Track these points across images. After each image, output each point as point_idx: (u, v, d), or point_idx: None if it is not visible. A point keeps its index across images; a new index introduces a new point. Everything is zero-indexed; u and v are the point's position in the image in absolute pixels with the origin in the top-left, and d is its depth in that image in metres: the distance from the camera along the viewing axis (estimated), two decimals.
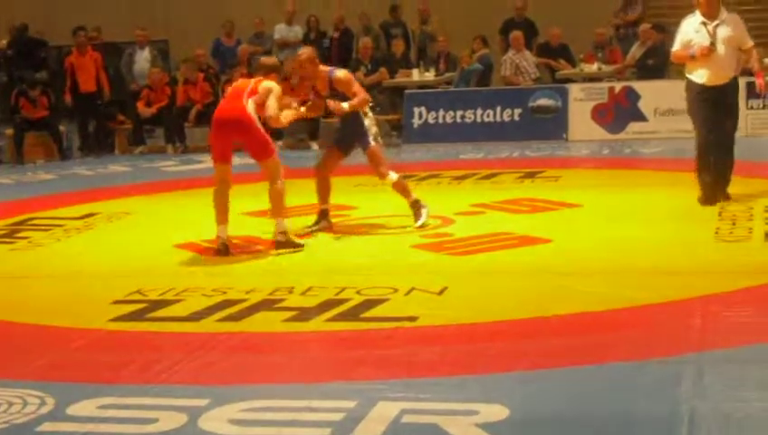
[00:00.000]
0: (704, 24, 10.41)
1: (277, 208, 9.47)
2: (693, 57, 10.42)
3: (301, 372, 5.98)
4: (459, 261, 8.64)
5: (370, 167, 10.06)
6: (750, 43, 10.68)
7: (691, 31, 10.49)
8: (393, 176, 9.96)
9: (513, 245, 9.09)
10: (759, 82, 10.82)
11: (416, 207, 9.93)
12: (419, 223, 9.84)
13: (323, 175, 10.16)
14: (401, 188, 10.03)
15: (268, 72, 9.71)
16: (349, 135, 10.00)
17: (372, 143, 9.88)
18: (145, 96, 18.33)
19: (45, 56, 20.76)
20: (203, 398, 5.42)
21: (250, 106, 9.30)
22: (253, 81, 9.60)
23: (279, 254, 9.17)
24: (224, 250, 9.23)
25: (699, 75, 10.49)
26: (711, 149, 10.51)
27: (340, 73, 10.00)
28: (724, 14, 10.52)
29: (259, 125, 9.34)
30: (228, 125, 9.37)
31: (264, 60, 10.33)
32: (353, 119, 9.85)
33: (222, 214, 9.38)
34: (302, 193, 10.72)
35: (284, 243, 9.38)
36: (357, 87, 9.94)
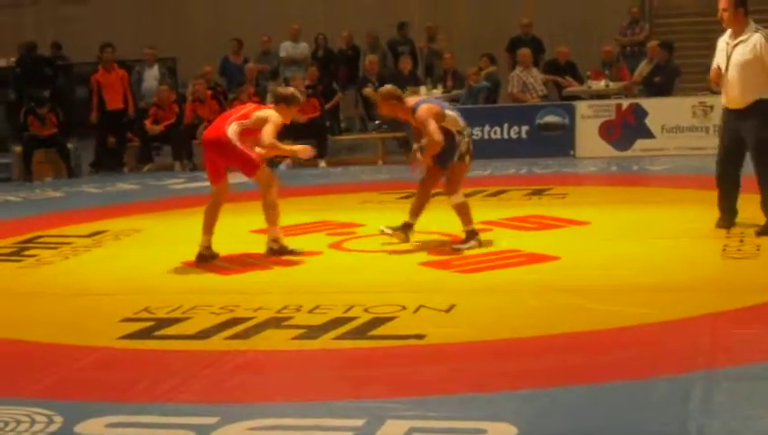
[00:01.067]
0: (727, 42, 9.84)
1: (270, 217, 9.73)
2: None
3: (309, 390, 5.97)
4: (467, 279, 8.64)
5: (446, 181, 9.85)
6: None
7: (719, 49, 9.98)
8: (459, 198, 9.71)
9: (520, 262, 9.09)
10: None
11: (469, 235, 9.71)
12: (459, 247, 9.62)
13: (425, 191, 10.02)
14: (462, 212, 9.72)
15: (277, 101, 9.88)
16: (445, 152, 9.64)
17: (455, 160, 9.69)
18: (153, 114, 18.38)
19: (52, 74, 20.83)
20: (211, 416, 5.41)
21: (232, 128, 9.55)
22: (247, 107, 9.92)
23: (279, 262, 9.20)
24: (207, 256, 9.62)
25: (723, 97, 10.05)
26: (723, 176, 10.10)
27: (420, 111, 9.55)
28: (749, 31, 9.71)
29: (237, 144, 9.48)
30: (209, 147, 9.73)
31: (279, 90, 10.41)
32: (448, 137, 9.56)
33: (208, 226, 9.83)
34: (308, 211, 10.75)
35: (278, 250, 9.63)
36: (432, 127, 9.41)
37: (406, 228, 9.98)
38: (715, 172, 10.23)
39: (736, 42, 9.76)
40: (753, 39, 9.69)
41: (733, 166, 10.07)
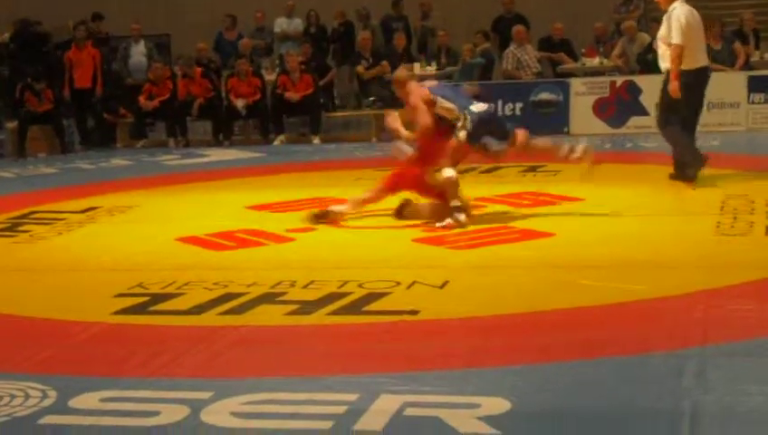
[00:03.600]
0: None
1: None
2: None
3: (302, 365, 5.98)
4: (461, 255, 8.64)
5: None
6: (674, 40, 11.06)
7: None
8: (448, 172, 9.59)
9: (514, 239, 9.09)
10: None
11: (450, 210, 9.54)
12: (440, 223, 9.53)
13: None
14: (447, 185, 9.60)
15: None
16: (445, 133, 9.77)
17: (453, 138, 9.60)
18: (147, 90, 18.34)
19: (46, 50, 20.75)
20: (205, 391, 5.42)
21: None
22: None
23: (272, 238, 9.19)
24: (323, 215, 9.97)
25: None
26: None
27: (413, 98, 9.77)
28: (673, 5, 11.26)
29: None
30: None
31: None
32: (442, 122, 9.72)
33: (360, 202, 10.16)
34: (302, 187, 10.73)
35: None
36: (422, 116, 9.66)
37: (456, 211, 9.63)
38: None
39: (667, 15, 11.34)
40: (670, 14, 11.24)
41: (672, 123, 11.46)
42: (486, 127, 9.67)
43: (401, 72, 10.29)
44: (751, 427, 4.76)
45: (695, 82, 11.30)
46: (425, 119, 9.57)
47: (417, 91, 9.74)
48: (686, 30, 11.12)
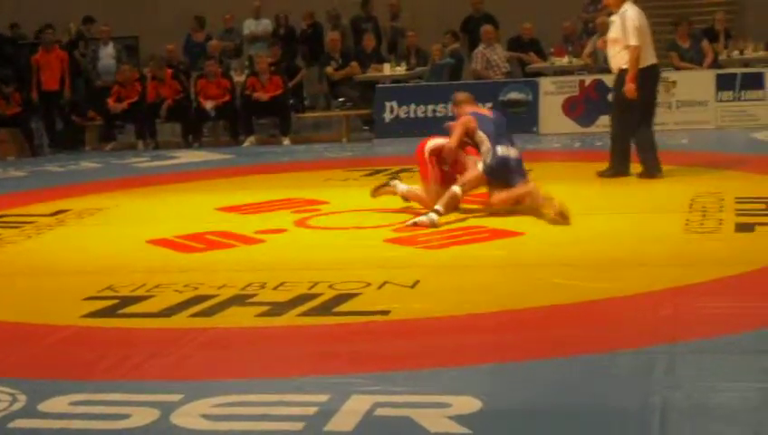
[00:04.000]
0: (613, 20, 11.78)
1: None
2: None
3: (273, 366, 5.97)
4: (432, 255, 8.65)
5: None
6: (631, 42, 11.33)
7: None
8: (456, 189, 9.93)
9: (485, 238, 9.10)
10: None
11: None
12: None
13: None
14: (448, 197, 9.82)
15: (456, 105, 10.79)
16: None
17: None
18: (115, 92, 18.27)
19: (13, 53, 20.67)
20: (175, 393, 5.40)
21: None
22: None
23: (243, 239, 9.18)
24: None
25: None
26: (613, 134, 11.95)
27: (459, 120, 10.34)
28: (624, 7, 11.55)
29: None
30: None
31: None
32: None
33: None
34: (273, 188, 10.70)
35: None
36: (452, 137, 10.18)
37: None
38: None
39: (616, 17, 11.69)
40: (622, 15, 11.51)
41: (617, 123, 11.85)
42: (504, 169, 10.06)
43: (462, 95, 10.92)
44: (720, 423, 4.78)
45: (648, 80, 11.53)
46: (452, 140, 10.15)
47: (465, 118, 10.27)
48: (639, 31, 11.40)
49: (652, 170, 11.45)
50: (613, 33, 11.64)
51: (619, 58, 11.57)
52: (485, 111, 11.03)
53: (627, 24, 11.38)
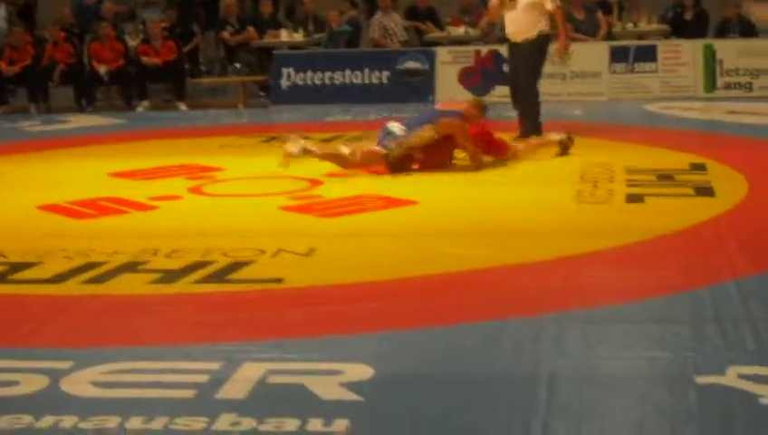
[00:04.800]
0: None
1: None
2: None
3: (165, 334, 5.95)
4: (327, 223, 8.66)
5: None
6: (548, 6, 11.83)
7: None
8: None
9: (380, 206, 9.14)
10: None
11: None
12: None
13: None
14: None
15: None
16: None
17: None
18: (8, 55, 17.93)
19: None
20: (65, 360, 5.35)
21: None
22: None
23: (136, 206, 9.11)
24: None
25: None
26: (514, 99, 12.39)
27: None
28: None
29: None
30: None
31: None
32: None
33: None
34: (167, 154, 10.60)
35: None
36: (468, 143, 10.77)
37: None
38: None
39: None
40: None
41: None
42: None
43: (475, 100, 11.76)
44: (606, 391, 4.88)
45: (546, 46, 12.14)
46: (469, 148, 10.86)
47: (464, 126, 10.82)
48: None
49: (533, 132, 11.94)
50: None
51: (530, 26, 11.86)
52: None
53: None
